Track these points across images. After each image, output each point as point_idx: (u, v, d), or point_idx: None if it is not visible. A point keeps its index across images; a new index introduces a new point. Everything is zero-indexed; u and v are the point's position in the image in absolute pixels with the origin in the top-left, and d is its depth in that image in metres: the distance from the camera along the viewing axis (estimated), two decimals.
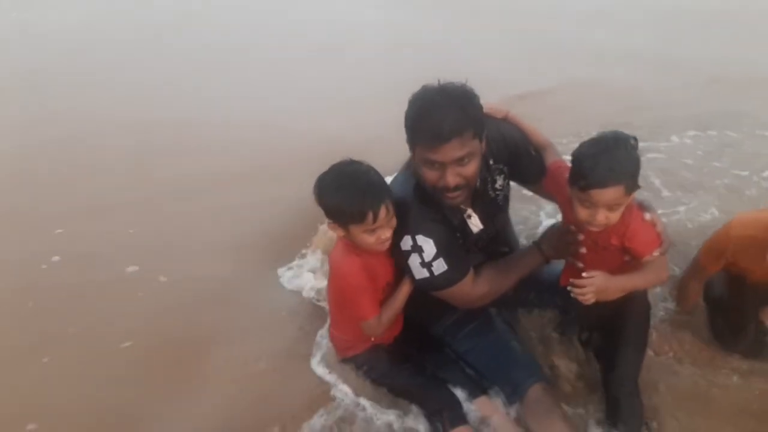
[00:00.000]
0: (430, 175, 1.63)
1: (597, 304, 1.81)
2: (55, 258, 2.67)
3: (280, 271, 2.63)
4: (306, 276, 2.56)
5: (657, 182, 3.46)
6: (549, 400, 1.80)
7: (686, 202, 3.26)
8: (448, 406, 1.81)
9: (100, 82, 5.40)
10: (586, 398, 1.94)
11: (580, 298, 1.63)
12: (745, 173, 3.65)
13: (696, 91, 5.19)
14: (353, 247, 1.75)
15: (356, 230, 1.66)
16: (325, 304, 2.33)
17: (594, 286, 1.61)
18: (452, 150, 1.55)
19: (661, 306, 2.28)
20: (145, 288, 2.51)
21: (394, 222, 1.69)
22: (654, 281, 1.77)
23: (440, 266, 1.73)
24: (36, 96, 5.00)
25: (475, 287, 1.82)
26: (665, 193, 3.38)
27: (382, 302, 1.84)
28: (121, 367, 2.11)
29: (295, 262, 2.67)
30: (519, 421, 1.81)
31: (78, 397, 2.00)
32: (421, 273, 1.74)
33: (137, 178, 3.55)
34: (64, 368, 2.10)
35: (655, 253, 1.64)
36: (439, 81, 1.63)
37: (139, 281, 2.56)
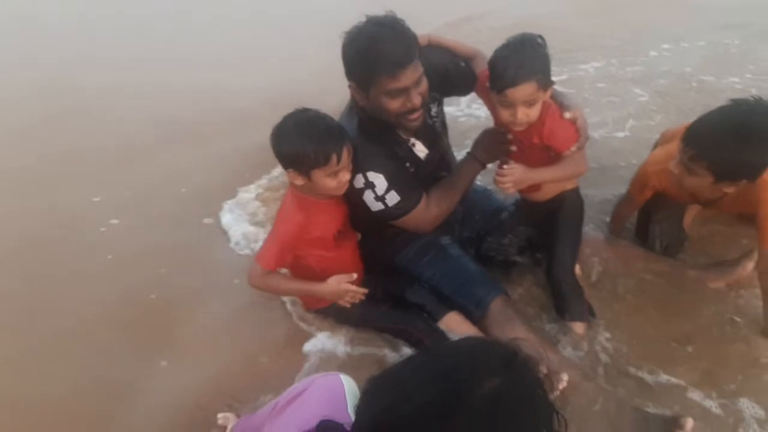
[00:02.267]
0: (394, 104, 1.68)
1: (532, 202, 1.97)
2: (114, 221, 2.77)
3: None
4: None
5: (637, 91, 3.59)
6: (510, 310, 1.91)
7: (665, 110, 3.40)
8: (428, 334, 1.91)
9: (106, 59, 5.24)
10: (538, 303, 2.11)
11: (500, 187, 1.79)
12: (711, 78, 3.78)
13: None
14: (303, 201, 1.78)
15: (319, 174, 1.66)
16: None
17: (513, 176, 1.76)
18: (413, 72, 1.63)
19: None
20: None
21: (351, 165, 1.75)
22: (572, 173, 1.87)
23: (393, 198, 1.82)
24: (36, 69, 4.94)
25: (428, 211, 1.91)
26: (645, 99, 3.49)
27: (333, 258, 1.89)
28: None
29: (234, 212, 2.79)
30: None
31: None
32: (376, 206, 1.83)
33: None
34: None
35: (573, 149, 1.74)
36: (366, 17, 1.67)
37: None
